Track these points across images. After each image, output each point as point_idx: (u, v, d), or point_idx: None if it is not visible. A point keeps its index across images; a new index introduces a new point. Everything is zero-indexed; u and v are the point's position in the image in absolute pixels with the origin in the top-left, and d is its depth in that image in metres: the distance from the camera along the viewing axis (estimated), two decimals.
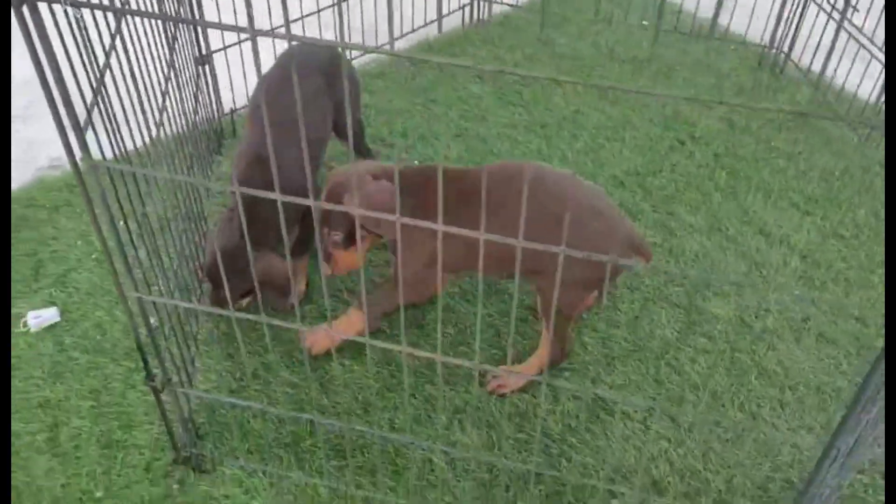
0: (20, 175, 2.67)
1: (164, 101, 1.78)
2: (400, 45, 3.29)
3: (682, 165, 2.72)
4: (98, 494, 1.83)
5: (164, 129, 1.77)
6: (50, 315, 2.20)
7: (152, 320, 1.59)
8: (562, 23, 3.47)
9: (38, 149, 2.66)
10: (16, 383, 2.04)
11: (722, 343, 2.17)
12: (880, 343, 1.87)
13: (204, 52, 2.57)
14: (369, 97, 3.03)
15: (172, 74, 1.97)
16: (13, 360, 2.09)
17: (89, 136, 1.22)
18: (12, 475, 1.85)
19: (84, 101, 1.26)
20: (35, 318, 2.19)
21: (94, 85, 1.31)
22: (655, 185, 2.63)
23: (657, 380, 2.05)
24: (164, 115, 1.76)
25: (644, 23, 3.46)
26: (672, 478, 1.87)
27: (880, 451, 1.16)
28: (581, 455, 1.90)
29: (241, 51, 2.70)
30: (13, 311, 2.21)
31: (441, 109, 2.98)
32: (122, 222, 1.42)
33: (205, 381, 2.02)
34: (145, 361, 1.62)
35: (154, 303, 1.53)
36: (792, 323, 2.21)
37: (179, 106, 2.03)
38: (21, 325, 2.18)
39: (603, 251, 1.67)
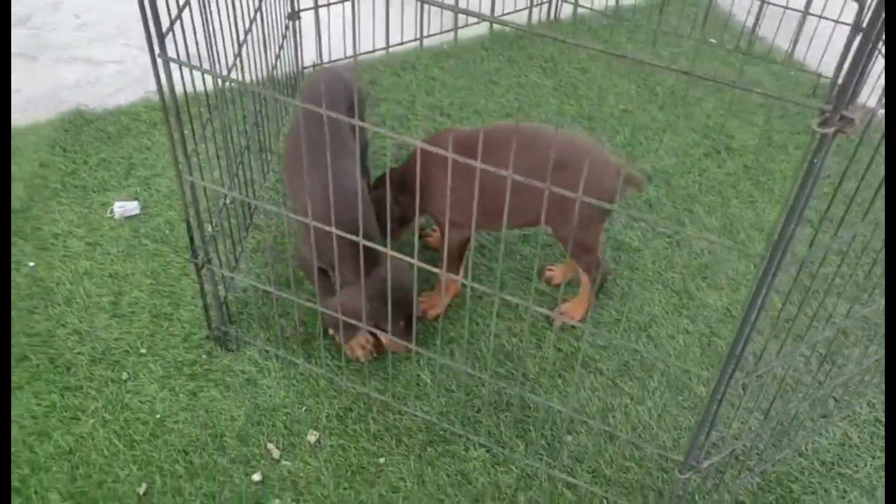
0: (132, 93, 3.13)
1: (240, 47, 2.14)
2: (476, 30, 3.58)
3: (710, 171, 2.90)
4: (142, 351, 2.20)
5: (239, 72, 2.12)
6: (132, 207, 2.61)
7: (203, 206, 1.94)
8: (634, 30, 3.67)
9: (150, 73, 3.11)
10: (95, 256, 2.45)
11: (704, 327, 2.36)
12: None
13: (295, 8, 2.94)
14: (438, 72, 3.34)
15: (258, 22, 2.34)
16: (97, 239, 2.50)
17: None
18: (79, 324, 2.25)
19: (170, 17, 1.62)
20: (120, 207, 2.61)
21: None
22: (680, 184, 2.83)
23: (635, 348, 2.26)
24: (240, 58, 2.11)
25: (711, 40, 3.62)
26: (625, 427, 2.09)
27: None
28: (549, 395, 2.15)
29: (329, 12, 3.06)
30: (103, 199, 2.64)
31: (500, 91, 3.26)
32: (190, 127, 1.77)
33: (245, 276, 2.37)
34: (191, 239, 1.97)
35: (205, 188, 1.88)
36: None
37: (263, 54, 2.39)
38: (108, 212, 2.60)
39: (601, 184, 1.95)
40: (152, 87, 3.05)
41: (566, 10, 3.74)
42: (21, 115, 2.97)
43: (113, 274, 2.41)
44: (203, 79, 1.84)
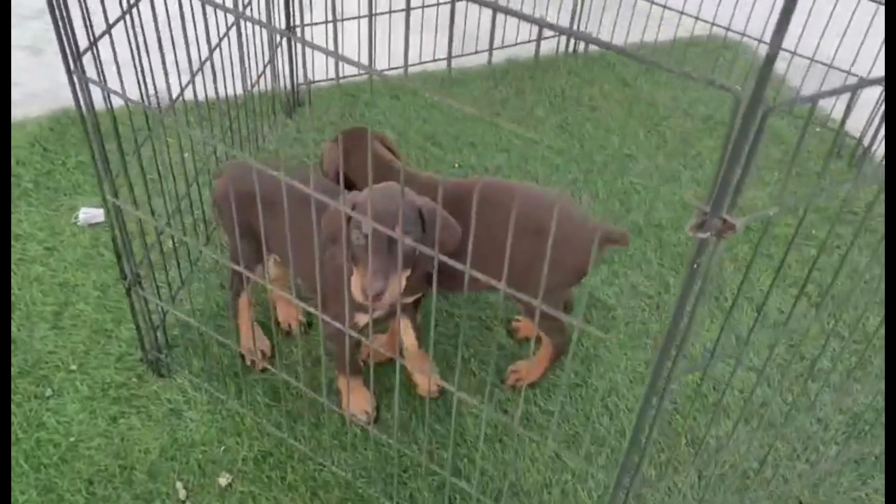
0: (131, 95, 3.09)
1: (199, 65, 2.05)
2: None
3: None
4: (73, 367, 2.13)
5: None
6: (97, 214, 2.56)
7: (134, 230, 1.86)
8: (646, 73, 3.49)
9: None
10: (49, 262, 2.40)
11: (667, 405, 2.16)
12: None
13: (292, 23, 2.86)
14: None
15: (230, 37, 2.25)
16: (56, 245, 2.46)
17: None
18: (16, 332, 2.20)
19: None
20: (85, 213, 2.56)
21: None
22: (672, 240, 2.64)
23: (587, 418, 2.09)
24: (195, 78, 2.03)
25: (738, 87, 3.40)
26: None
27: None
28: (486, 460, 1.99)
29: (325, 29, 2.97)
30: (72, 203, 2.59)
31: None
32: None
33: (186, 301, 2.28)
34: (118, 258, 1.89)
35: (121, 209, 1.79)
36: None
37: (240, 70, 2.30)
38: (73, 217, 2.56)
39: (575, 252, 1.80)
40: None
41: (591, 46, 3.58)
42: (16, 109, 2.96)
43: (63, 283, 2.35)
44: (143, 96, 1.77)
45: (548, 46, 3.54)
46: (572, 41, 3.58)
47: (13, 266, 2.38)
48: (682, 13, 3.27)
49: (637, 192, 2.83)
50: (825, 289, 2.48)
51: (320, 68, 3.03)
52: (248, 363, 2.17)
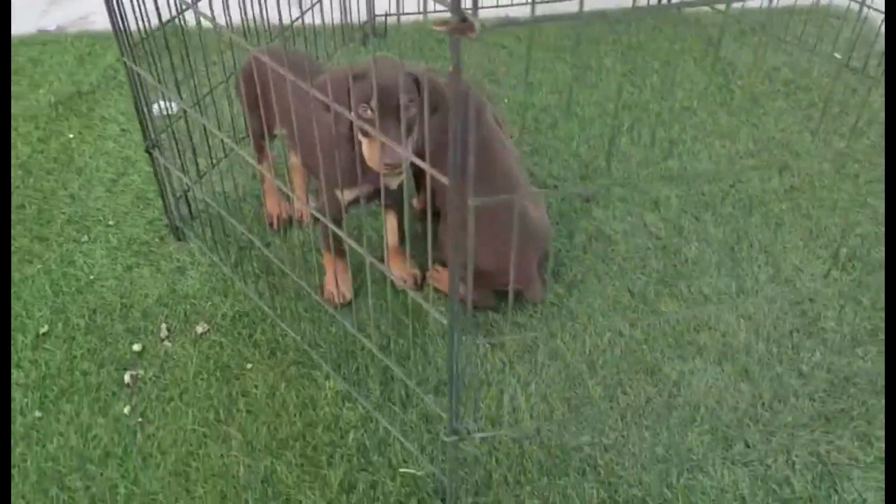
0: None
1: None
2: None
3: (747, 185, 2.55)
4: (111, 223, 2.44)
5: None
6: (169, 106, 2.87)
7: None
8: (741, 35, 3.31)
9: None
10: (121, 140, 2.74)
11: (640, 335, 2.10)
12: None
13: None
14: (512, 41, 3.27)
15: None
16: (135, 126, 2.79)
17: None
18: (77, 190, 2.54)
19: None
20: (158, 105, 2.88)
21: None
22: (704, 189, 2.52)
23: (551, 333, 2.08)
24: None
25: (836, 55, 3.16)
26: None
27: None
28: (436, 357, 2.05)
29: None
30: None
31: (562, 67, 3.11)
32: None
33: (219, 184, 2.51)
34: (140, 122, 2.15)
35: (140, 75, 2.03)
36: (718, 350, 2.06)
37: None
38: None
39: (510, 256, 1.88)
40: None
41: None
42: None
43: (126, 157, 2.68)
44: None
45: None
46: None
47: (92, 140, 2.75)
48: None
49: (684, 143, 2.72)
50: (851, 254, 2.28)
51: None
52: (268, 224, 2.39)
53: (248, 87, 2.14)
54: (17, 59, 3.22)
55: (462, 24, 0.95)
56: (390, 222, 2.19)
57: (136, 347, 2.07)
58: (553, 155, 2.68)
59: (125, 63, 2.03)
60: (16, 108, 2.92)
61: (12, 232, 2.39)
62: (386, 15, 3.27)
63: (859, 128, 2.78)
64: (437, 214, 2.13)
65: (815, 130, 2.76)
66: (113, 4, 1.91)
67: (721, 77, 3.05)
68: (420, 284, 2.23)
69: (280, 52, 2.15)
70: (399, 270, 2.22)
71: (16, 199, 2.51)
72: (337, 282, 2.16)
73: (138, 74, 2.04)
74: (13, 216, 2.45)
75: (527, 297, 2.10)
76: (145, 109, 2.14)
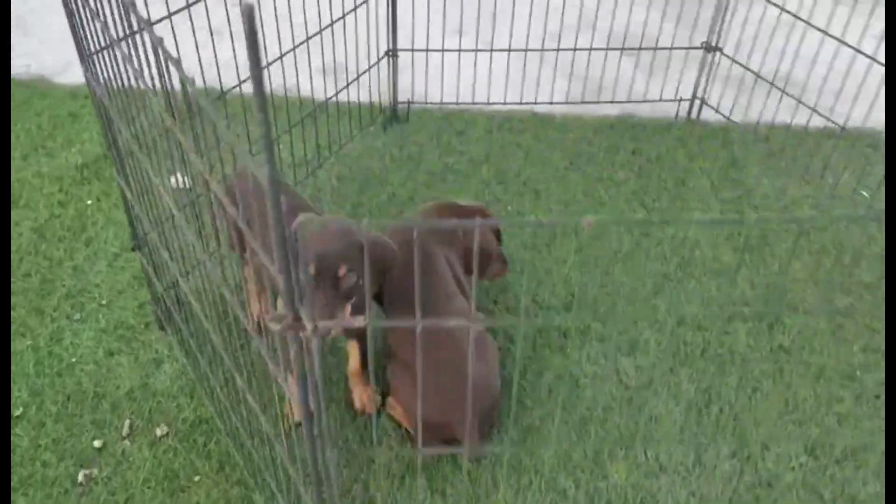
0: None
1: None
2: (598, 110, 3.40)
3: (738, 336, 2.48)
4: (104, 301, 2.55)
5: None
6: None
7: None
8: (767, 158, 3.21)
9: None
10: None
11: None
12: None
13: (392, 47, 3.08)
14: (530, 140, 3.26)
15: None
16: None
17: None
18: (81, 262, 2.67)
19: None
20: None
21: None
22: (686, 337, 2.47)
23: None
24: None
25: (863, 192, 3.03)
26: None
27: None
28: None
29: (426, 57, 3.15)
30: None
31: (575, 177, 3.08)
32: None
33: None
34: (129, 222, 2.25)
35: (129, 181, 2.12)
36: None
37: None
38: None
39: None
40: None
41: (708, 112, 3.38)
42: None
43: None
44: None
45: (666, 109, 3.41)
46: (695, 106, 3.40)
47: (106, 209, 2.88)
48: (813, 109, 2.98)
49: (677, 279, 2.67)
50: (824, 436, 2.19)
51: (434, 89, 3.24)
52: (250, 325, 2.44)
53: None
54: (59, 112, 3.40)
55: (295, 322, 0.97)
56: (353, 347, 2.23)
57: (97, 444, 2.17)
58: (543, 276, 2.66)
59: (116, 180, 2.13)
60: (48, 166, 3.09)
61: (13, 300, 2.53)
62: (409, 102, 3.30)
63: (870, 284, 2.67)
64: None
65: (820, 282, 2.66)
66: (104, 120, 2.00)
67: (733, 206, 2.97)
68: (379, 411, 2.26)
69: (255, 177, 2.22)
70: (359, 394, 2.26)
71: (24, 266, 2.66)
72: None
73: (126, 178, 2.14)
74: (18, 284, 2.59)
75: (463, 453, 2.11)
76: (134, 210, 2.23)
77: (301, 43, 2.71)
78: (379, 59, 3.11)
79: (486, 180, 3.06)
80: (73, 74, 3.60)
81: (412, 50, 3.15)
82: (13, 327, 2.46)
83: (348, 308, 1.78)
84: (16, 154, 3.13)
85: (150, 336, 2.46)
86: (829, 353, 2.43)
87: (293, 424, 2.20)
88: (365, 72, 3.09)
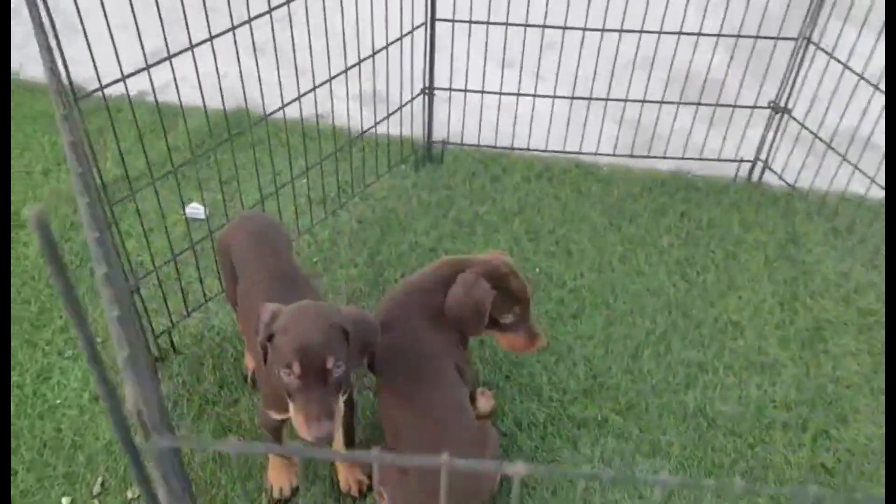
0: None
1: None
2: (659, 163, 3.14)
3: (776, 447, 2.20)
4: (98, 338, 2.44)
5: None
6: (199, 212, 2.86)
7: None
8: (832, 235, 2.88)
9: None
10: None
11: None
12: None
13: (428, 84, 2.89)
14: (569, 191, 3.02)
15: None
16: (160, 223, 2.80)
17: None
18: (82, 302, 2.57)
19: None
20: (192, 208, 2.88)
21: None
22: (707, 436, 2.20)
23: None
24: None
25: None
26: None
27: None
28: None
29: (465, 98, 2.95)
30: (191, 194, 2.92)
31: (613, 239, 2.83)
32: None
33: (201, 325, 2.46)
34: (123, 269, 2.12)
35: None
36: None
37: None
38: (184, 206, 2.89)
39: None
40: None
41: (771, 176, 3.08)
42: None
43: (141, 263, 2.69)
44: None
45: (725, 169, 3.12)
46: (757, 168, 3.10)
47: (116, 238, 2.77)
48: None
49: (714, 371, 2.40)
50: None
51: (473, 129, 3.05)
52: (244, 377, 2.32)
53: (221, 251, 2.11)
54: (95, 122, 3.31)
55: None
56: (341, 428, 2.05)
57: (65, 501, 2.05)
58: (564, 353, 2.43)
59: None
60: (66, 183, 3.01)
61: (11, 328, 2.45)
62: (444, 143, 3.11)
63: None
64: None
65: (881, 388, 2.35)
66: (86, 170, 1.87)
67: (788, 288, 2.67)
68: (364, 493, 2.08)
69: (257, 227, 2.07)
70: (345, 474, 2.08)
71: (25, 292, 2.57)
72: (277, 474, 2.05)
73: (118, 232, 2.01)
74: (16, 310, 2.50)
75: None
76: (124, 259, 2.11)
77: (339, 74, 2.54)
78: (413, 97, 2.93)
79: (516, 235, 2.84)
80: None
81: (450, 89, 2.95)
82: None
83: (341, 401, 1.61)
84: (37, 168, 3.07)
85: None
86: (878, 479, 2.14)
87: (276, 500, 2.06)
88: (397, 109, 2.91)
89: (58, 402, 2.27)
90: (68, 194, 2.96)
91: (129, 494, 2.07)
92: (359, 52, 2.61)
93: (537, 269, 2.72)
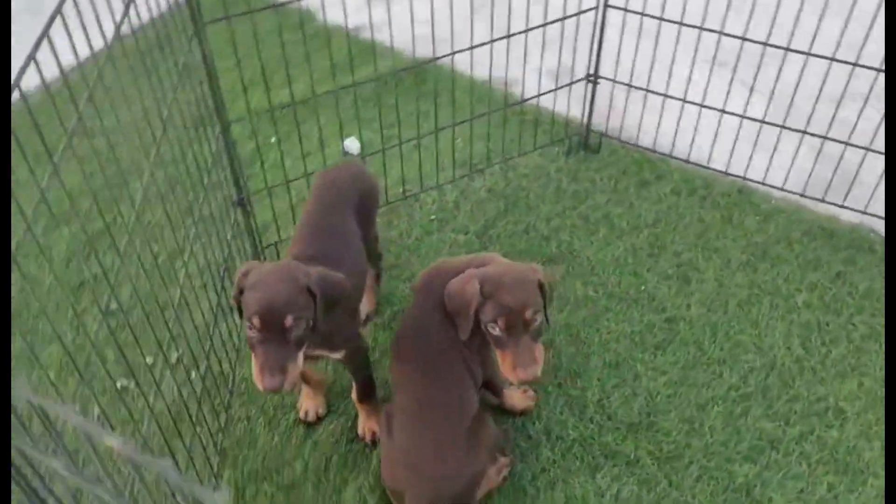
0: None
1: None
2: (841, 211, 2.75)
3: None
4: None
5: None
6: (354, 148, 3.07)
7: None
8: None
9: None
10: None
11: None
12: None
13: (593, 71, 2.77)
14: (719, 218, 2.76)
15: None
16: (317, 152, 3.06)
17: None
18: None
19: None
20: (349, 142, 3.10)
21: None
22: (710, 467, 1.96)
23: None
24: None
25: None
26: None
27: None
28: None
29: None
30: (351, 130, 3.14)
31: (743, 280, 2.55)
32: None
33: None
34: (234, 177, 2.38)
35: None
36: None
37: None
38: (342, 141, 3.11)
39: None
40: None
41: None
42: None
43: None
44: None
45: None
46: None
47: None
48: None
49: (775, 451, 2.11)
50: None
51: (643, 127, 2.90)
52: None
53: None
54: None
55: None
56: (354, 380, 2.15)
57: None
58: (629, 380, 2.29)
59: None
60: None
61: None
62: (602, 134, 2.98)
63: None
64: None
65: None
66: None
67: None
68: (375, 442, 2.18)
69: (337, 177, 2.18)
70: (363, 422, 2.19)
71: None
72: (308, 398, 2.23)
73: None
74: None
75: None
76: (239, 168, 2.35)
77: (500, 38, 2.56)
78: (573, 81, 2.83)
79: (638, 247, 2.68)
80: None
81: (614, 81, 2.81)
82: None
83: (300, 356, 1.70)
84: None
85: None
86: None
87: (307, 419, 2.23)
88: (553, 90, 2.84)
89: None
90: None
91: None
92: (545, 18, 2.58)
93: (642, 288, 2.55)
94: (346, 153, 3.10)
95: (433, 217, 2.83)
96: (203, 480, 2.00)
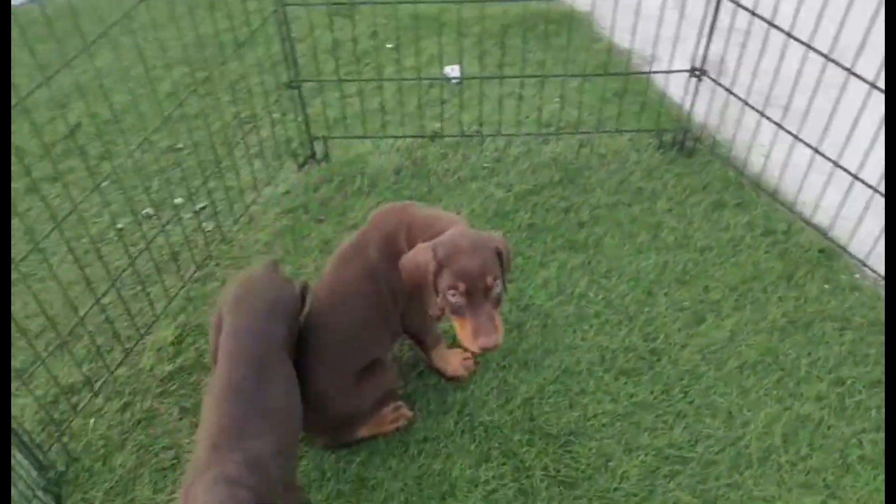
0: None
1: None
2: None
3: None
4: None
5: None
6: (455, 73, 3.04)
7: None
8: None
9: None
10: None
11: None
12: None
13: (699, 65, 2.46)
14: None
15: None
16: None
17: None
18: None
19: None
20: (450, 69, 3.06)
21: None
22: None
23: None
24: None
25: None
26: None
27: None
28: None
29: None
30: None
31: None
32: None
33: None
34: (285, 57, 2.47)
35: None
36: None
37: None
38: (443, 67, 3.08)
39: None
40: None
41: None
42: None
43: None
44: None
45: None
46: None
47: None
48: None
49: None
50: None
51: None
52: None
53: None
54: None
55: None
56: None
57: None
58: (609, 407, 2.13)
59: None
60: None
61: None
62: (696, 139, 2.67)
63: None
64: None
65: None
66: None
67: None
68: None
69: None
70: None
71: None
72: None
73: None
74: None
75: None
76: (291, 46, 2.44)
77: None
78: (671, 70, 2.54)
79: (670, 267, 2.41)
80: None
81: (716, 82, 2.48)
82: None
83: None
84: None
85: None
86: None
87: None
88: (651, 72, 2.57)
89: None
90: None
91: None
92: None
93: (646, 309, 2.31)
94: (447, 77, 3.07)
95: (486, 165, 2.75)
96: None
